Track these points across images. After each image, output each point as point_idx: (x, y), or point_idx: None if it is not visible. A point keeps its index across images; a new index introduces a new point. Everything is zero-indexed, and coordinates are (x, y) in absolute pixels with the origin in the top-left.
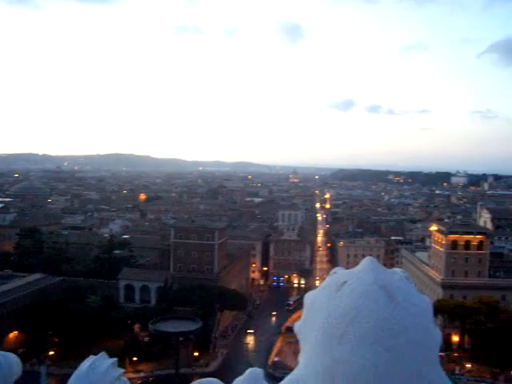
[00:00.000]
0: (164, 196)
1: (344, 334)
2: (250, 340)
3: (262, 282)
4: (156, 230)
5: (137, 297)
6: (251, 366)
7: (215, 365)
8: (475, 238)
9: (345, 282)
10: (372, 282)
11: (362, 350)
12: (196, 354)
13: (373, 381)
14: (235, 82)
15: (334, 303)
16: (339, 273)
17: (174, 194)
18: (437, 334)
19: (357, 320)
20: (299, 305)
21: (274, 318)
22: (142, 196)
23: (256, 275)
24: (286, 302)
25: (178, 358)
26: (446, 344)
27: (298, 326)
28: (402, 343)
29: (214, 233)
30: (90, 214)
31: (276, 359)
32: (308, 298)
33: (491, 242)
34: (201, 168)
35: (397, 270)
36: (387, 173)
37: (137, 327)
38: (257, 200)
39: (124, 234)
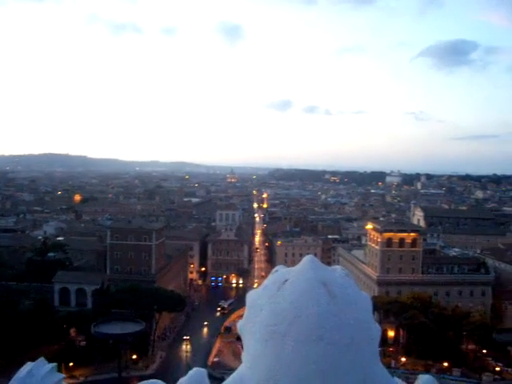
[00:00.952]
0: (100, 197)
1: (286, 331)
2: (189, 341)
3: (200, 282)
4: (92, 231)
5: (72, 300)
6: (190, 368)
7: (154, 367)
8: (409, 236)
9: (286, 280)
10: (313, 280)
11: (305, 347)
12: (134, 357)
13: (316, 377)
14: (173, 81)
15: (276, 301)
16: (280, 271)
17: (110, 195)
18: (376, 329)
19: (299, 317)
20: (235, 307)
21: (212, 319)
22: (77, 197)
23: (194, 276)
24: (220, 305)
25: (119, 361)
26: (382, 339)
27: (240, 325)
28: (344, 339)
29: (151, 233)
30: (22, 215)
31: (215, 359)
32: (250, 296)
33: (424, 240)
34: (138, 168)
35: (337, 267)
36: (324, 172)
37: (73, 331)
38: (194, 200)
39: (59, 236)
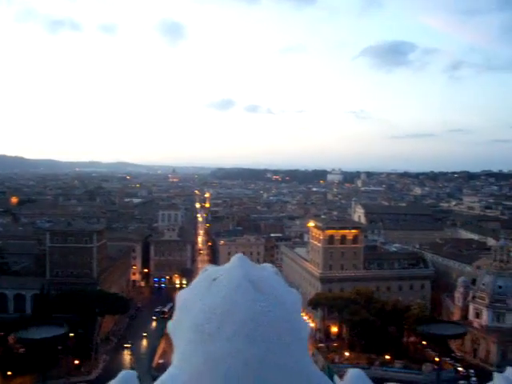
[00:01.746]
0: (38, 199)
1: (215, 330)
2: (134, 343)
3: (143, 283)
4: (30, 234)
5: (10, 306)
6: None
7: (97, 372)
8: (350, 233)
9: (215, 278)
10: (241, 278)
11: (234, 345)
12: (77, 362)
13: (246, 374)
14: (112, 80)
15: (205, 300)
16: (210, 270)
17: (48, 197)
18: (305, 326)
19: (227, 315)
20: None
21: (155, 320)
22: (14, 199)
23: (137, 277)
24: (160, 310)
25: (43, 369)
26: (326, 335)
27: (170, 326)
28: (273, 336)
29: (92, 235)
30: None
31: (160, 361)
32: (179, 296)
33: (365, 236)
34: (77, 169)
35: (266, 265)
36: (266, 171)
37: (11, 339)
38: (136, 201)
39: None
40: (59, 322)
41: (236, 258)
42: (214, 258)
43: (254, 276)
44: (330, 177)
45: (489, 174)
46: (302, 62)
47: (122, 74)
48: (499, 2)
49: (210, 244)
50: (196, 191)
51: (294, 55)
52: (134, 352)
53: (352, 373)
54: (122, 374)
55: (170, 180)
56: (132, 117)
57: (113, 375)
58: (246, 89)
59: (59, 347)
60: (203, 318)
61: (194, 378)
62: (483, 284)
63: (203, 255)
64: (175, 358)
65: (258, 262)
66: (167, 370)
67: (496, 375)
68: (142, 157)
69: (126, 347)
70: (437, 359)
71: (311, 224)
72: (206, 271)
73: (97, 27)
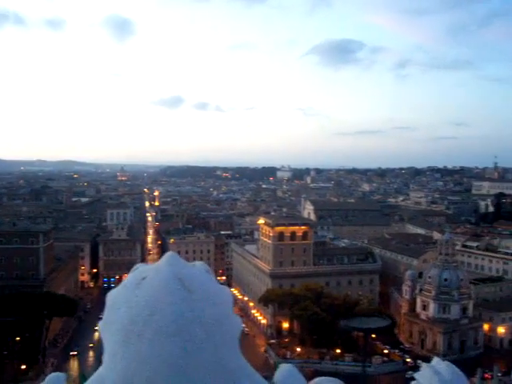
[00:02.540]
0: None
1: (143, 329)
2: (82, 346)
3: (92, 284)
4: None
5: None
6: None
7: (45, 377)
8: (300, 229)
9: (144, 277)
10: (170, 276)
11: (161, 345)
12: (23, 366)
13: (174, 373)
14: (58, 77)
15: (133, 299)
16: (140, 269)
17: None
18: (237, 323)
19: (155, 314)
20: None
21: None
22: None
23: (86, 278)
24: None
25: None
26: (278, 331)
27: (100, 325)
28: (201, 334)
29: (39, 236)
30: None
31: None
32: (109, 296)
33: (315, 232)
34: (23, 168)
35: (197, 263)
36: (215, 169)
37: None
38: (84, 200)
39: None
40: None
41: (166, 256)
42: None
43: (183, 274)
44: (279, 174)
45: (434, 170)
46: (252, 60)
47: (69, 70)
48: (445, 4)
49: (159, 243)
50: (145, 189)
51: (243, 52)
52: (82, 356)
53: (283, 368)
54: (49, 377)
55: (119, 178)
56: (80, 114)
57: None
58: (195, 86)
59: (4, 352)
60: (130, 317)
61: (121, 380)
62: (429, 277)
63: (153, 254)
64: (104, 359)
65: (208, 259)
66: (96, 372)
67: (423, 365)
68: (90, 155)
69: (73, 355)
70: (385, 351)
71: (261, 221)
72: (136, 270)
73: (42, 22)
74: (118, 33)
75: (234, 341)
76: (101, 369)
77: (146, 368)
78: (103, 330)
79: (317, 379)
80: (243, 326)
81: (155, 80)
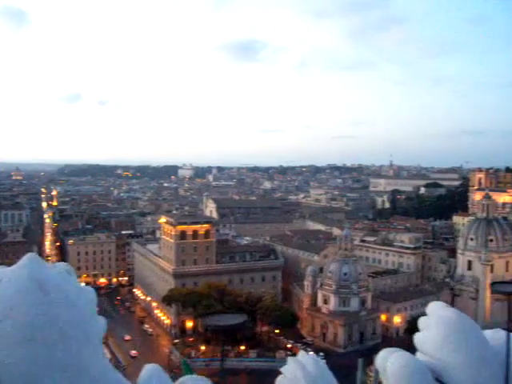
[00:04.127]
0: None
1: None
2: None
3: None
4: None
5: None
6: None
7: None
8: (202, 228)
9: (0, 280)
10: (26, 278)
11: (16, 350)
12: None
13: (30, 378)
14: None
15: None
16: None
17: None
18: (98, 324)
19: (8, 319)
20: None
21: None
22: None
23: None
24: None
25: None
26: (182, 330)
27: None
28: (57, 337)
29: None
30: None
31: None
32: None
33: (217, 230)
34: None
35: (59, 264)
36: (116, 167)
37: None
38: None
39: None
40: None
41: (25, 258)
42: (64, 258)
43: (40, 276)
44: (181, 172)
45: (334, 168)
46: (154, 56)
47: None
48: (344, 8)
49: (58, 244)
50: (42, 189)
51: (145, 49)
52: None
53: (147, 368)
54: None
55: (14, 178)
56: None
57: None
58: (95, 82)
59: None
60: None
61: None
62: (330, 272)
63: (52, 256)
64: None
65: (109, 260)
66: None
67: (289, 359)
68: None
69: None
70: (289, 346)
71: (163, 220)
72: None
73: None
74: (12, 24)
75: (96, 343)
76: None
77: (1, 374)
78: None
79: (182, 378)
80: (148, 326)
81: (52, 75)
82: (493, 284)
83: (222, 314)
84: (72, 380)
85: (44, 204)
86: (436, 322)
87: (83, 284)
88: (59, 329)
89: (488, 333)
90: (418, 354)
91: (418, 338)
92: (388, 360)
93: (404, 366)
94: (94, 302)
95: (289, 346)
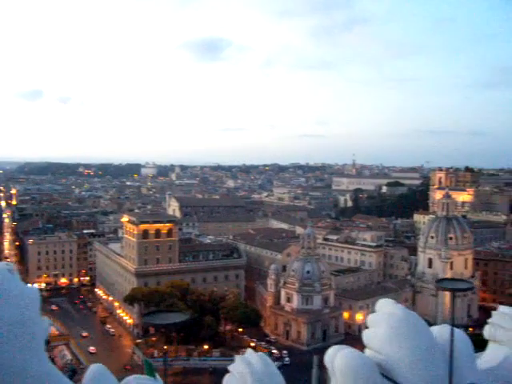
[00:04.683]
0: None
1: None
2: None
3: None
4: None
5: None
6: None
7: None
8: (165, 226)
9: None
10: None
11: None
12: None
13: None
14: None
15: None
16: None
17: None
18: (42, 324)
19: None
20: None
21: None
22: None
23: None
24: None
25: None
26: (144, 330)
27: None
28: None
29: None
30: None
31: None
32: None
33: (180, 229)
34: None
35: (0, 263)
36: (78, 165)
37: None
38: None
39: None
40: None
41: None
42: (24, 258)
43: None
44: (144, 170)
45: (297, 167)
46: (117, 54)
47: None
48: (308, 7)
49: (18, 244)
50: (1, 187)
51: (109, 47)
52: None
53: (92, 368)
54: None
55: None
56: None
57: None
58: (56, 79)
59: None
60: None
61: None
62: (293, 270)
63: (11, 256)
64: None
65: (70, 259)
66: None
67: (236, 357)
68: None
69: None
70: (252, 344)
71: (125, 219)
72: None
73: None
74: None
75: (39, 345)
76: None
77: None
78: None
79: (127, 378)
80: (110, 327)
81: (12, 71)
82: (438, 281)
83: (166, 313)
84: (11, 380)
85: (2, 203)
86: (383, 318)
87: (30, 285)
88: (1, 329)
89: (435, 328)
90: (367, 351)
91: (366, 335)
92: (335, 357)
93: (350, 361)
94: (37, 302)
95: (252, 344)
